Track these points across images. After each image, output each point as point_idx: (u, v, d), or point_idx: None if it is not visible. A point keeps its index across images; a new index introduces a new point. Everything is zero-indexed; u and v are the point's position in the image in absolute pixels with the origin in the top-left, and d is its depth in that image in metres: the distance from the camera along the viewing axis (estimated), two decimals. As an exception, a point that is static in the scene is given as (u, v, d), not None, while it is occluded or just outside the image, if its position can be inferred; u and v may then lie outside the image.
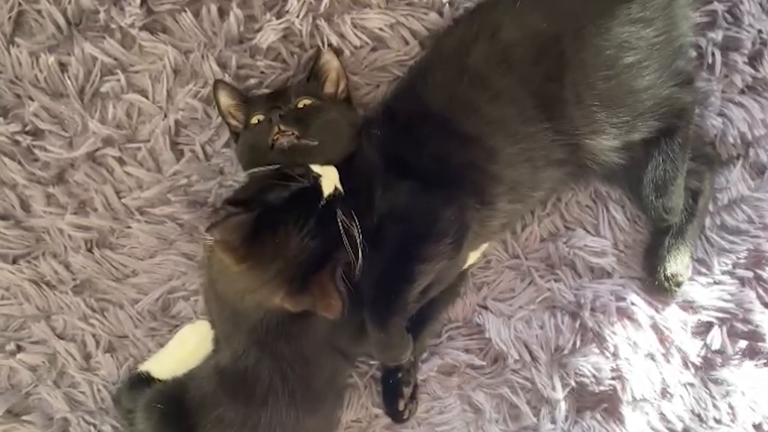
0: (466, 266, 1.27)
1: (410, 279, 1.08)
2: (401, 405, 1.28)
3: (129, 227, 1.32)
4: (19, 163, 1.29)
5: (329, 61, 1.20)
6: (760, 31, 1.22)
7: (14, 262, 1.34)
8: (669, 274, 1.24)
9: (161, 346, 1.34)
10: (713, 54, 1.22)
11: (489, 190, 1.11)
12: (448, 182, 1.10)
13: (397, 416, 1.30)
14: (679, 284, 1.25)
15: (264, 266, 1.02)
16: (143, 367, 1.30)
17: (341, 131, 1.16)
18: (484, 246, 1.27)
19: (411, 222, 1.09)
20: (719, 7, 1.21)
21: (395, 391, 1.28)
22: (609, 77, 1.07)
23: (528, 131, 1.09)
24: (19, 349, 1.37)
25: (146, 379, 1.27)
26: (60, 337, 1.36)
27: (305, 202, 1.04)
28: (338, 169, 1.11)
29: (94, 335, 1.36)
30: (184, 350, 1.30)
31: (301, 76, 1.25)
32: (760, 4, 1.23)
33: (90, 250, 1.33)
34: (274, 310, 1.06)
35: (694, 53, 1.22)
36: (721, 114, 1.25)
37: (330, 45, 1.21)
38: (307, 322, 1.10)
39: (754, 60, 1.24)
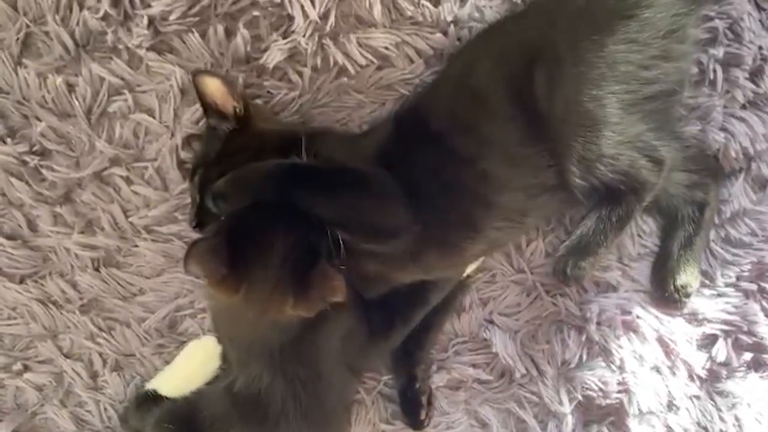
0: (463, 276, 1.30)
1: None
2: (423, 414, 1.31)
3: (136, 246, 1.34)
4: (27, 183, 1.32)
5: (208, 86, 1.16)
6: (760, 48, 1.25)
7: (21, 281, 1.37)
8: (679, 285, 1.27)
9: (168, 364, 1.37)
10: (715, 70, 1.26)
11: (476, 214, 1.13)
12: (428, 200, 1.10)
13: (418, 425, 1.33)
14: (688, 295, 1.28)
15: (261, 282, 1.01)
16: (150, 386, 1.33)
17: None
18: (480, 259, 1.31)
19: (364, 181, 1.09)
20: (720, 24, 1.25)
21: (415, 402, 1.31)
22: (594, 98, 1.08)
23: (523, 153, 1.10)
24: (26, 368, 1.40)
25: (153, 398, 1.30)
26: (67, 356, 1.39)
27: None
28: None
29: (100, 354, 1.38)
30: (191, 367, 1.33)
31: (306, 96, 1.28)
32: (761, 21, 1.26)
33: (97, 269, 1.36)
34: (290, 329, 1.08)
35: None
36: (723, 129, 1.28)
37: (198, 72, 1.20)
38: (320, 338, 1.12)
39: (755, 75, 1.27)
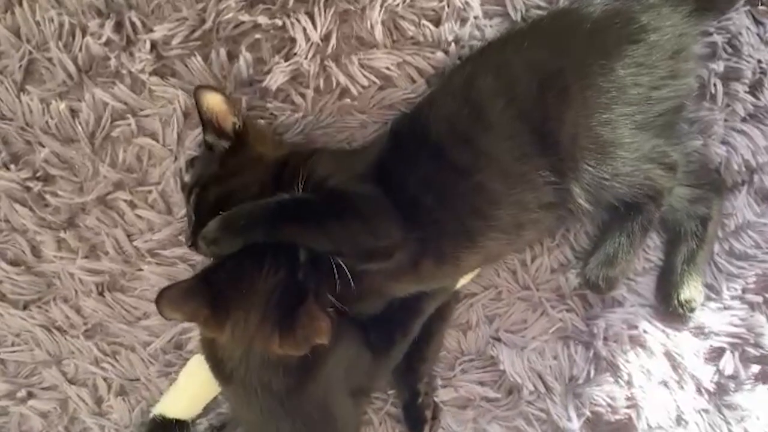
0: (457, 287, 1.34)
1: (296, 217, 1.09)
2: (426, 430, 1.33)
3: (140, 270, 1.37)
4: (30, 208, 1.35)
5: (209, 100, 1.19)
6: (759, 61, 1.30)
7: (25, 307, 1.40)
8: (683, 300, 1.30)
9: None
10: (715, 84, 1.30)
11: (473, 225, 1.16)
12: (423, 210, 1.14)
13: None
14: (692, 309, 1.31)
15: (244, 321, 1.04)
16: (157, 411, 1.34)
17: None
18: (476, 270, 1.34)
19: (354, 205, 1.12)
20: (719, 39, 1.29)
21: (419, 418, 1.33)
22: (606, 122, 1.13)
23: (520, 169, 1.14)
24: (30, 395, 1.42)
25: (162, 424, 1.32)
26: (71, 382, 1.42)
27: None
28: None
29: (105, 379, 1.41)
30: (195, 385, 1.35)
31: (310, 117, 1.31)
32: (759, 35, 1.31)
33: (101, 294, 1.39)
34: (290, 373, 1.10)
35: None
36: (725, 142, 1.33)
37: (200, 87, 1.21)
38: (323, 378, 1.14)
39: (754, 89, 1.32)
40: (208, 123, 1.22)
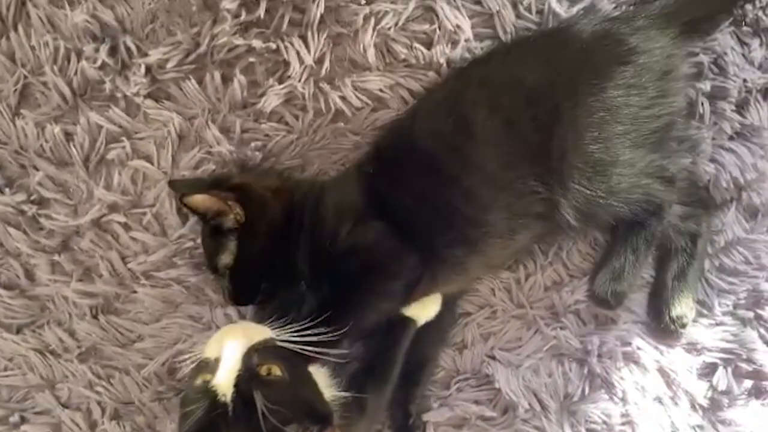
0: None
1: (357, 310, 1.17)
2: None
3: (134, 292, 1.38)
4: (24, 232, 1.37)
5: (197, 202, 1.20)
6: (744, 81, 1.34)
7: (18, 331, 1.40)
8: (674, 316, 1.32)
9: (167, 411, 1.39)
10: (702, 103, 1.33)
11: (470, 232, 1.19)
12: (423, 224, 1.19)
13: None
14: (684, 326, 1.33)
15: None
16: None
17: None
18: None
19: (372, 257, 1.19)
20: (705, 59, 1.33)
21: None
22: (597, 140, 1.15)
23: (507, 176, 1.17)
24: (23, 420, 1.42)
25: None
26: (65, 406, 1.41)
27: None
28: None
29: (99, 403, 1.41)
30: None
31: (304, 138, 1.34)
32: (743, 55, 1.34)
33: (95, 317, 1.39)
34: None
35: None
36: (713, 160, 1.35)
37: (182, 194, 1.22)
38: None
39: (741, 107, 1.35)
40: (206, 217, 1.24)
